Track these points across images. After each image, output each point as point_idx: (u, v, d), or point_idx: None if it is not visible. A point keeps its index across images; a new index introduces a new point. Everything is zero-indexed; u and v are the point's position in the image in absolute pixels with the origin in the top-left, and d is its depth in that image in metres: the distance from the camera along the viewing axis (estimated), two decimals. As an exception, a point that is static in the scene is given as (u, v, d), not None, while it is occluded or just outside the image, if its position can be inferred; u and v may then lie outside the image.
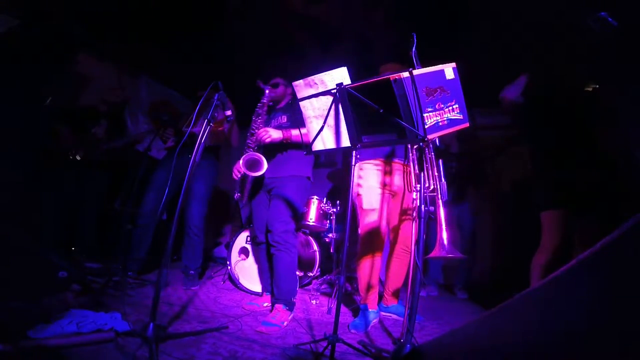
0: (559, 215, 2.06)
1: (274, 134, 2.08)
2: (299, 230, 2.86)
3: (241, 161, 2.06)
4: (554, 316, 0.73)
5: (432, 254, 1.47)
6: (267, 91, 2.26)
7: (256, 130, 2.15)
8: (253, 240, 2.48)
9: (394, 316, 2.17)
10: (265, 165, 2.03)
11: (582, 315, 0.69)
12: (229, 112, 1.82)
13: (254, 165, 2.05)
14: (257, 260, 2.55)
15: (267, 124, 2.35)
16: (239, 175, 2.21)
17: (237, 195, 2.28)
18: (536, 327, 0.77)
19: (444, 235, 1.45)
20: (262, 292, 2.43)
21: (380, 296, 2.26)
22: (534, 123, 2.25)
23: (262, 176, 2.21)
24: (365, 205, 2.03)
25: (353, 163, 1.57)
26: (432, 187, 1.55)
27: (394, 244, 2.12)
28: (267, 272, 2.30)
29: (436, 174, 1.56)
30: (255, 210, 2.31)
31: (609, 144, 2.08)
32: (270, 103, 2.31)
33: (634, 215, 0.59)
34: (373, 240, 2.02)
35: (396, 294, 2.20)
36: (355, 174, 2.05)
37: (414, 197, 1.63)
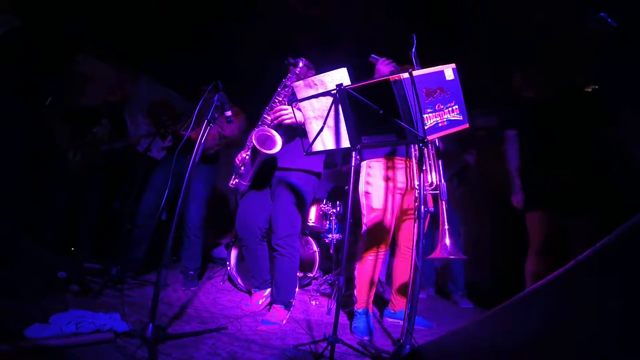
0: (542, 217, 2.09)
1: (298, 116, 1.75)
2: (303, 232, 2.84)
3: (253, 136, 1.85)
4: (555, 317, 0.73)
5: (434, 255, 1.47)
6: (300, 63, 2.00)
7: (277, 105, 1.92)
8: (235, 234, 2.26)
9: (401, 323, 2.02)
10: (279, 143, 1.80)
11: (582, 316, 0.69)
12: (228, 113, 1.81)
13: (266, 141, 1.84)
14: (240, 258, 2.44)
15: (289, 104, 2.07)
16: (242, 159, 2.01)
17: (232, 182, 2.06)
18: (536, 328, 0.77)
19: (446, 235, 1.45)
20: (251, 290, 2.31)
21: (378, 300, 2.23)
22: (520, 123, 2.27)
23: (267, 170, 2.04)
24: (376, 205, 1.97)
25: (353, 164, 1.58)
26: (434, 184, 1.56)
27: (399, 243, 2.09)
28: (255, 270, 2.21)
29: (436, 173, 1.57)
30: (246, 203, 2.12)
31: (605, 144, 2.08)
32: (302, 77, 1.98)
33: (634, 215, 0.59)
34: (379, 240, 1.98)
35: (405, 295, 2.04)
36: (364, 172, 2.05)
37: (416, 194, 1.63)
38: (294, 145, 2.04)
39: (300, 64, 1.99)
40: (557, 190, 2.05)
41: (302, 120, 1.67)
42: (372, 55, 2.05)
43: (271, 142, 1.84)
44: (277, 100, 1.99)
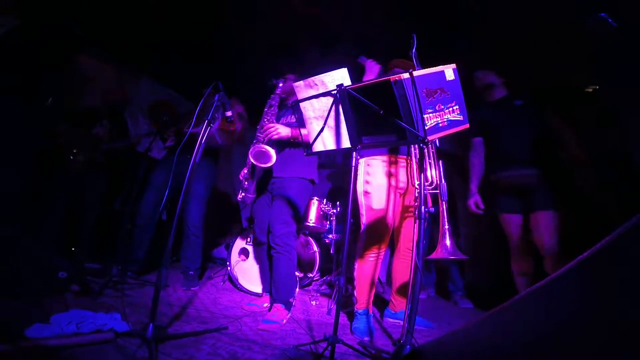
0: (510, 218, 2.14)
1: (283, 131, 2.08)
2: (300, 232, 2.86)
3: (250, 153, 2.05)
4: (555, 316, 0.73)
5: (434, 255, 1.47)
6: (280, 84, 2.26)
7: (266, 124, 2.14)
8: (254, 241, 2.49)
9: (402, 323, 2.02)
10: (274, 157, 2.00)
11: (582, 316, 0.69)
12: (229, 113, 1.82)
13: (261, 157, 2.04)
14: (259, 261, 2.55)
15: (277, 121, 2.32)
16: (245, 174, 2.24)
17: (240, 196, 2.28)
18: (537, 328, 0.77)
19: (447, 235, 1.45)
20: (262, 293, 2.43)
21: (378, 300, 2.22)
22: (483, 126, 2.31)
23: (267, 177, 2.25)
24: (375, 205, 1.94)
25: (353, 164, 1.58)
26: (434, 183, 1.56)
27: (398, 243, 2.08)
28: (268, 272, 2.30)
29: (436, 173, 1.57)
30: (256, 210, 2.32)
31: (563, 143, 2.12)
32: (283, 95, 2.29)
33: (635, 215, 0.59)
34: (379, 240, 1.96)
35: (405, 296, 2.03)
36: (362, 170, 2.03)
37: (416, 193, 1.65)
38: (287, 156, 2.22)
39: (280, 85, 2.26)
40: (517, 192, 2.11)
41: (287, 134, 2.07)
42: (362, 56, 2.09)
43: (266, 157, 2.03)
44: (266, 120, 2.18)
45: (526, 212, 2.12)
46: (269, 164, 2.02)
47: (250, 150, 2.05)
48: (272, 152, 2.01)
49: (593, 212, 2.01)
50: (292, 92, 2.29)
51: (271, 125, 2.10)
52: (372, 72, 2.05)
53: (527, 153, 2.10)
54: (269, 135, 2.08)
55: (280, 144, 2.20)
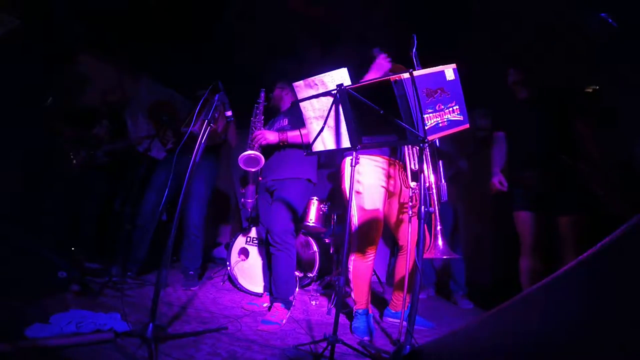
0: (528, 216, 2.14)
1: (270, 137, 2.23)
2: (299, 232, 2.87)
3: (239, 162, 2.16)
4: (555, 317, 0.73)
5: (426, 255, 1.46)
6: (261, 94, 2.42)
7: (254, 132, 2.28)
8: (260, 240, 2.52)
9: (399, 322, 2.01)
10: (261, 159, 2.14)
11: (582, 316, 0.69)
12: (229, 113, 1.82)
13: (250, 162, 2.17)
14: (263, 260, 2.56)
15: (270, 126, 2.43)
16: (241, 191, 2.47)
17: (242, 200, 2.46)
18: (537, 328, 0.77)
19: (439, 235, 1.45)
20: (263, 292, 2.44)
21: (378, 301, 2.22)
22: (509, 123, 2.31)
23: (267, 180, 2.33)
24: (368, 206, 1.92)
25: (353, 164, 1.58)
26: (427, 183, 1.56)
27: (398, 243, 2.08)
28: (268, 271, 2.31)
29: (433, 173, 1.57)
30: (261, 211, 2.37)
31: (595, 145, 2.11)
32: (265, 103, 2.43)
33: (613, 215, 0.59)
34: (371, 240, 1.95)
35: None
36: (350, 169, 2.02)
37: (410, 193, 1.64)
38: (282, 158, 2.29)
39: (262, 94, 2.44)
40: (540, 191, 2.10)
41: (275, 139, 2.21)
42: (376, 48, 2.05)
43: (254, 161, 2.17)
44: (254, 128, 2.34)
45: (546, 213, 2.11)
46: (258, 167, 2.19)
47: (239, 158, 2.16)
48: (259, 154, 2.13)
49: (606, 213, 2.00)
50: (281, 99, 2.55)
51: (258, 132, 2.26)
52: (379, 69, 1.99)
53: (551, 154, 2.09)
54: (259, 142, 2.23)
55: (272, 148, 2.30)
